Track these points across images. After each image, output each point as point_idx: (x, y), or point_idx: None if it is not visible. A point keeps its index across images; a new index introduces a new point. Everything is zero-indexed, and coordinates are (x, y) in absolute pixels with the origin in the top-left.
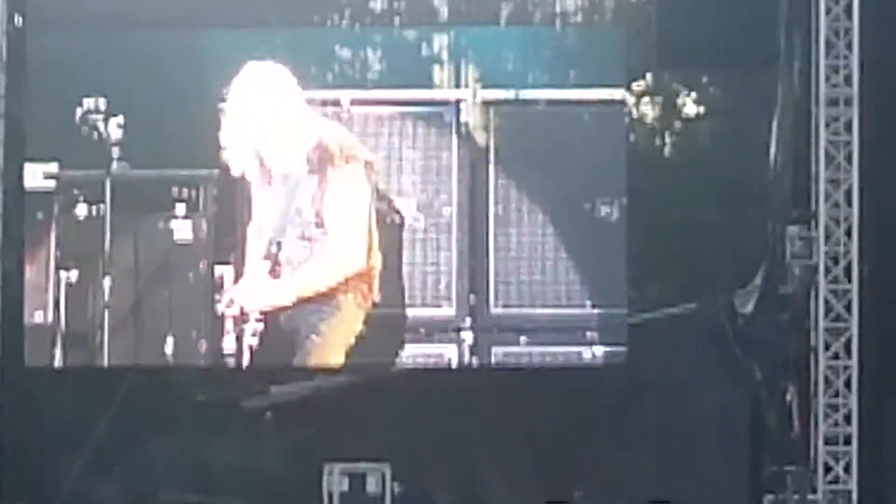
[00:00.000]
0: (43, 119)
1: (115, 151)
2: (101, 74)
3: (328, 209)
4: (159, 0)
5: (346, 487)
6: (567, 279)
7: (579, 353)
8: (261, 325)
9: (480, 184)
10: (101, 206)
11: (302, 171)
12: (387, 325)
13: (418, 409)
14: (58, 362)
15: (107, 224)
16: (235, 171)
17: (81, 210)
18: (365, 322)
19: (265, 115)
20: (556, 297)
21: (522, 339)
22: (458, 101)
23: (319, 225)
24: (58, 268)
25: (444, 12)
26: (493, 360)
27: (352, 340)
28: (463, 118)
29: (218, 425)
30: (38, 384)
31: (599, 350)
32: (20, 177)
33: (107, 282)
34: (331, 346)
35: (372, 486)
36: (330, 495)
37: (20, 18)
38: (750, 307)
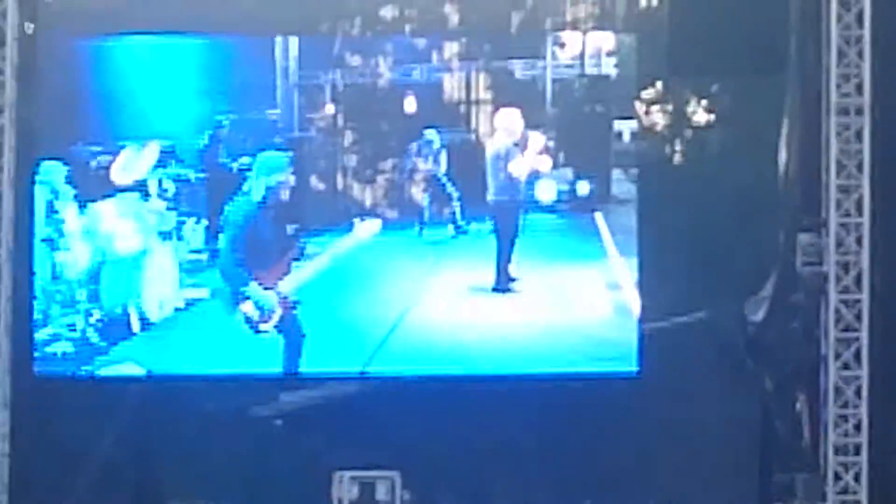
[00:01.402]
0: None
1: None
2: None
3: None
4: (170, 5)
5: (355, 495)
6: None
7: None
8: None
9: None
10: None
11: None
12: None
13: (429, 417)
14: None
15: None
16: None
17: None
18: None
19: None
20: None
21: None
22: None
23: None
24: None
25: (454, 20)
26: None
27: None
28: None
29: (227, 433)
30: (48, 394)
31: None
32: (32, 183)
33: None
34: None
35: (381, 493)
36: (339, 503)
37: (31, 26)
38: (760, 315)
